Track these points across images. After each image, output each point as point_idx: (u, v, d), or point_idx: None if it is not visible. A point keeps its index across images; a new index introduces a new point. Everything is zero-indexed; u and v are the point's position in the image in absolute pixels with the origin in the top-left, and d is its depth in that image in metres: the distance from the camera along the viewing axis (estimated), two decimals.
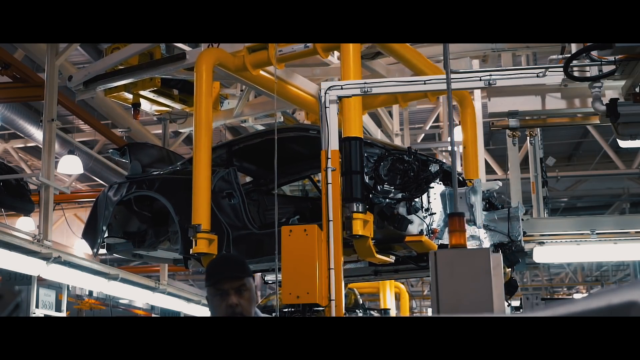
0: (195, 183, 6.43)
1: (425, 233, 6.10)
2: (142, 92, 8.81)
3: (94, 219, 7.42)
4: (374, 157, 6.04)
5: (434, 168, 6.09)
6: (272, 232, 6.00)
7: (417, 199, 6.03)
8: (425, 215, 6.13)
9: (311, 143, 6.64)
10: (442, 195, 6.36)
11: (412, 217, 6.04)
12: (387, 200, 5.93)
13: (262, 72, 7.50)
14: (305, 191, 9.17)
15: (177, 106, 9.26)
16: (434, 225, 6.25)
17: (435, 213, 6.25)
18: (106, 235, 7.30)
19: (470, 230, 6.39)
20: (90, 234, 7.46)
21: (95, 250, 7.35)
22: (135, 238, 7.44)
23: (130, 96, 8.97)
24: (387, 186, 5.92)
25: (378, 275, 7.75)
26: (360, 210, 5.74)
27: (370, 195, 5.87)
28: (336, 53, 7.66)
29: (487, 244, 6.56)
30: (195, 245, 6.28)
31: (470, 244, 6.38)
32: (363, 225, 5.75)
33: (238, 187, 6.71)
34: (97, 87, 8.43)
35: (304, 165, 7.35)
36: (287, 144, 6.80)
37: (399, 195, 5.96)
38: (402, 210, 6.02)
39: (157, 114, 10.22)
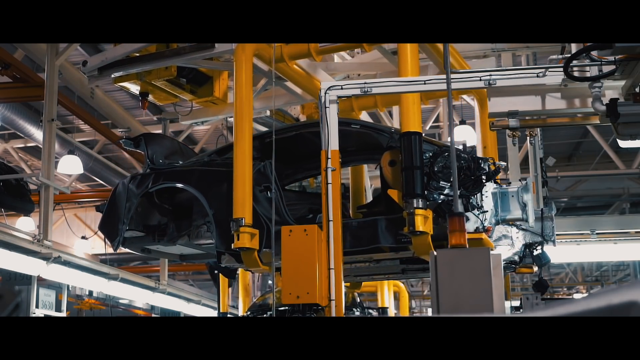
0: (236, 175, 6.29)
1: (480, 231, 6.08)
2: (153, 81, 8.49)
3: (113, 211, 7.10)
4: (427, 154, 6.00)
5: (487, 165, 6.09)
6: None
7: (473, 196, 6.03)
8: (479, 212, 6.11)
9: (357, 136, 6.66)
10: (493, 193, 6.37)
11: (468, 214, 6.00)
12: (442, 196, 5.91)
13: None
14: (303, 188, 9.17)
15: (187, 97, 9.11)
16: (486, 224, 6.23)
17: (487, 211, 6.22)
18: (126, 228, 7.03)
19: (502, 229, 6.38)
20: (109, 226, 7.14)
21: (115, 244, 7.05)
22: (155, 232, 7.19)
23: (134, 85, 8.71)
24: (443, 183, 5.90)
25: (405, 274, 7.65)
26: (421, 206, 5.70)
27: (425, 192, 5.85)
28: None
29: (518, 243, 6.55)
30: (238, 239, 6.15)
31: (502, 243, 6.39)
32: (424, 221, 5.72)
33: (275, 180, 6.50)
34: (113, 73, 8.17)
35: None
36: (314, 139, 6.74)
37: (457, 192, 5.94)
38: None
39: (159, 104, 10.00)
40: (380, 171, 6.28)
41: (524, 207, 6.30)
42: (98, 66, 8.04)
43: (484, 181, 5.98)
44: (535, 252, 6.71)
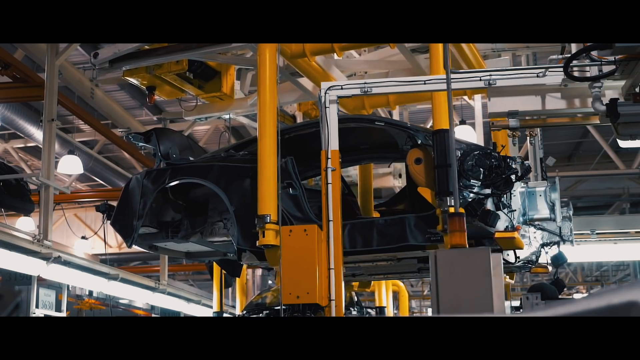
0: (261, 172, 6.15)
1: (509, 230, 6.07)
2: (163, 75, 8.41)
3: (126, 206, 6.91)
4: (457, 152, 5.93)
5: (517, 164, 6.09)
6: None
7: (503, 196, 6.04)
8: (508, 212, 6.09)
9: (373, 134, 6.67)
10: (521, 192, 6.35)
11: (498, 213, 5.99)
12: (472, 194, 5.89)
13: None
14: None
15: (194, 92, 8.99)
16: (515, 223, 6.20)
17: (515, 210, 6.21)
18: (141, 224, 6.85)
19: (520, 229, 6.39)
20: (121, 222, 6.96)
21: (130, 241, 6.86)
22: (168, 228, 7.04)
23: (138, 79, 8.62)
24: (473, 181, 5.88)
25: (420, 273, 7.59)
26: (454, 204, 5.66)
27: None
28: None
29: (536, 243, 6.55)
30: (264, 236, 6.00)
31: None
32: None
33: (297, 177, 6.36)
34: (125, 66, 8.03)
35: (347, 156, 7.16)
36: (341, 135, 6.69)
37: (487, 191, 5.92)
38: (489, 206, 5.96)
39: (164, 98, 9.92)
40: (407, 169, 6.26)
41: (552, 206, 6.30)
42: (109, 58, 7.86)
43: (513, 180, 5.97)
44: (549, 252, 6.72)
